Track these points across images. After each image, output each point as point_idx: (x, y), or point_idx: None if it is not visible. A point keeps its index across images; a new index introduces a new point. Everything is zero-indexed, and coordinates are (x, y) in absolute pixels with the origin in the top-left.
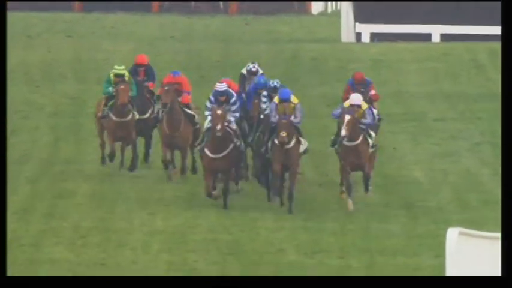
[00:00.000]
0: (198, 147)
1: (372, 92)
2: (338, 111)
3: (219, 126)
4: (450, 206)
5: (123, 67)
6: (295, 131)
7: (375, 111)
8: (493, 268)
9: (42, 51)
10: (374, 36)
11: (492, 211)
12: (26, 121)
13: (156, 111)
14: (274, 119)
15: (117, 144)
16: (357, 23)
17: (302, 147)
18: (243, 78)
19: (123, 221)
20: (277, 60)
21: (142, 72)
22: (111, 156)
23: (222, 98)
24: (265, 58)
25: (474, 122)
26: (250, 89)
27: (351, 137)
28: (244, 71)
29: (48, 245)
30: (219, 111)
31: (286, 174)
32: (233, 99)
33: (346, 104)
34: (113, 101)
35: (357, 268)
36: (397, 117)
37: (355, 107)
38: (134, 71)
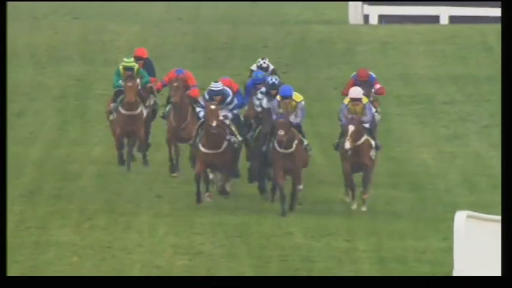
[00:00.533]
0: (191, 143)
1: (377, 85)
2: (345, 111)
3: (214, 123)
4: (458, 188)
5: (132, 60)
6: (296, 132)
7: (376, 113)
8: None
9: (48, 33)
10: (382, 18)
11: (500, 194)
12: (32, 103)
13: (152, 103)
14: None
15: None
16: (364, 5)
17: (309, 151)
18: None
19: (129, 204)
20: (285, 43)
21: (141, 65)
22: (120, 147)
23: (217, 98)
24: (273, 40)
25: (483, 104)
26: (249, 84)
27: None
28: (254, 67)
29: (55, 227)
30: (212, 107)
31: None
32: (229, 99)
33: (347, 99)
34: (122, 96)
35: (364, 251)
36: (405, 99)
37: (355, 102)
38: None
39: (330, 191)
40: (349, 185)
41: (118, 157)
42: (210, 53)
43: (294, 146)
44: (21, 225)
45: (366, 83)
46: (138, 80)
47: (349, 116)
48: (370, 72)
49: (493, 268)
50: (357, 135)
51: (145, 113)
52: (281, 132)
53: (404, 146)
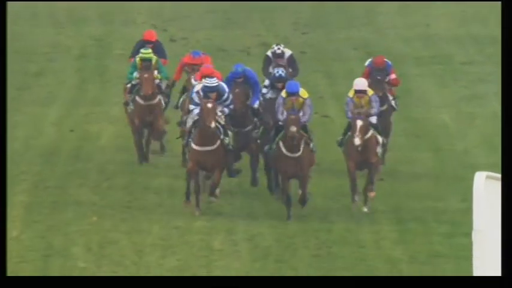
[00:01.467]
0: (183, 142)
1: (392, 76)
2: (350, 106)
3: (212, 124)
4: (477, 149)
5: (149, 51)
6: (302, 132)
7: (393, 102)
8: None
9: None
10: None
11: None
12: (51, 63)
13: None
14: (282, 116)
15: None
16: None
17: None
18: (267, 61)
19: (148, 165)
20: (304, 3)
21: (150, 49)
22: (139, 138)
23: (213, 95)
24: (292, 1)
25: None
26: (229, 78)
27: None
28: (269, 53)
29: (74, 187)
30: (209, 105)
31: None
32: (225, 96)
33: (351, 92)
34: (137, 88)
35: (383, 212)
36: (425, 60)
37: (360, 94)
38: (141, 47)
39: None
40: (352, 186)
41: (138, 154)
42: (229, 14)
43: (301, 149)
44: (40, 185)
45: (382, 72)
46: (155, 72)
47: (356, 111)
48: (386, 60)
49: None
50: (365, 131)
51: (163, 102)
52: (293, 129)
53: (424, 107)
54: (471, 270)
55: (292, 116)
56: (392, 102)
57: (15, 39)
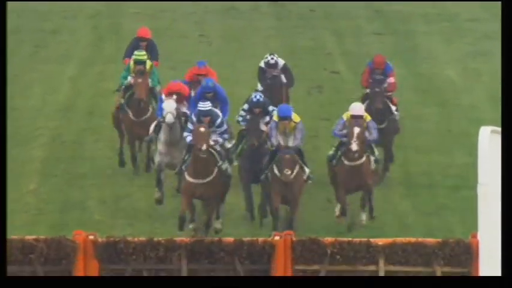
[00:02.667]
0: (176, 170)
1: (391, 79)
2: (340, 126)
3: (204, 146)
4: (483, 104)
5: (144, 53)
6: (296, 157)
7: (395, 112)
8: None
9: None
10: None
11: None
12: (67, 21)
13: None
14: (275, 140)
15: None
16: None
17: (305, 175)
18: (261, 73)
19: None
20: None
21: (144, 46)
22: (133, 158)
23: (206, 119)
24: None
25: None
26: (198, 93)
27: (354, 156)
28: (262, 64)
29: (89, 142)
30: (202, 129)
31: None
32: (218, 121)
33: (347, 115)
34: (130, 91)
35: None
36: (432, 17)
37: (357, 120)
38: (136, 45)
39: None
40: (342, 207)
41: (119, 159)
42: None
43: (295, 173)
44: (56, 140)
45: (382, 73)
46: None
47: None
48: (388, 62)
49: None
50: (363, 140)
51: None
52: (287, 172)
53: (431, 63)
54: (476, 223)
55: (287, 156)
56: (396, 113)
57: None
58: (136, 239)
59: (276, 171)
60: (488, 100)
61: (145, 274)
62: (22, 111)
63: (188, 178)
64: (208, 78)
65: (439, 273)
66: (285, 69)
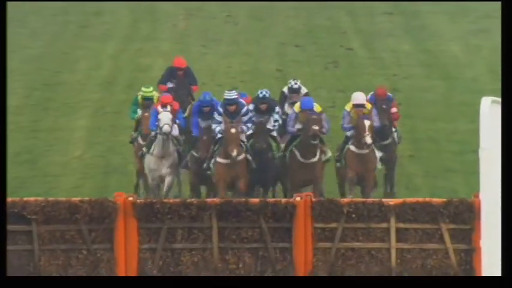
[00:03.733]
0: (205, 166)
1: (394, 109)
2: (346, 119)
3: (234, 153)
4: (484, 77)
5: (151, 89)
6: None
7: (395, 133)
8: None
9: None
10: None
11: None
12: (107, 4)
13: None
14: (292, 128)
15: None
16: None
17: (325, 157)
18: (283, 97)
19: (200, 62)
20: None
21: (181, 75)
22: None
23: (232, 108)
24: None
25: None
26: (195, 107)
27: (362, 145)
28: (285, 89)
29: (128, 113)
30: (233, 130)
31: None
32: (244, 110)
33: (349, 105)
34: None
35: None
36: None
37: (359, 108)
38: (172, 73)
39: (368, 81)
40: (350, 189)
41: (135, 184)
42: None
43: (317, 156)
44: (99, 111)
45: (386, 103)
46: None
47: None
48: (389, 93)
49: None
50: (373, 131)
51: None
52: (315, 127)
53: (436, 40)
54: (478, 184)
55: (314, 116)
56: (394, 135)
57: None
58: (171, 200)
59: (297, 154)
60: (488, 73)
61: (179, 232)
62: (69, 85)
63: (219, 160)
64: (206, 92)
65: (444, 230)
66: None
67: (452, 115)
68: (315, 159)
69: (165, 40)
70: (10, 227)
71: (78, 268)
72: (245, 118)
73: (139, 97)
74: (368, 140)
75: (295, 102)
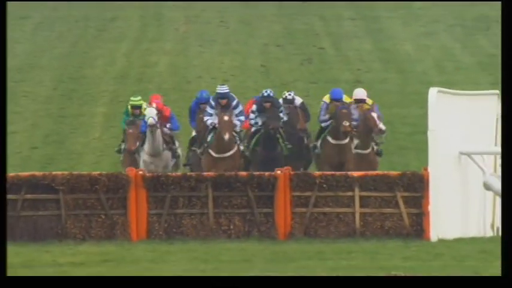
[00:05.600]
0: (199, 151)
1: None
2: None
3: (227, 136)
4: (431, 71)
5: (139, 98)
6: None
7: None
8: (462, 113)
9: None
10: None
11: (461, 75)
12: (121, 11)
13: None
14: (324, 117)
15: None
16: None
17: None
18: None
19: (192, 84)
20: None
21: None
22: None
23: (223, 102)
24: None
25: (449, 8)
26: (193, 105)
27: (363, 145)
28: (280, 100)
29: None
30: (226, 118)
31: None
32: (234, 103)
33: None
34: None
35: None
36: (392, 6)
37: (360, 104)
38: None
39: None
40: None
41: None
42: None
43: (347, 139)
44: (114, 100)
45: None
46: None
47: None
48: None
49: (457, 126)
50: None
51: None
52: (346, 123)
53: (393, 41)
54: (427, 160)
55: (344, 110)
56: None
57: None
58: (174, 174)
59: (330, 139)
60: (435, 68)
61: (181, 200)
62: (89, 79)
63: (211, 153)
64: (203, 90)
65: (399, 197)
66: (302, 107)
67: (406, 102)
68: (346, 140)
69: (168, 41)
70: (41, 196)
71: (97, 230)
72: (236, 111)
73: (129, 107)
74: (382, 126)
75: (292, 108)
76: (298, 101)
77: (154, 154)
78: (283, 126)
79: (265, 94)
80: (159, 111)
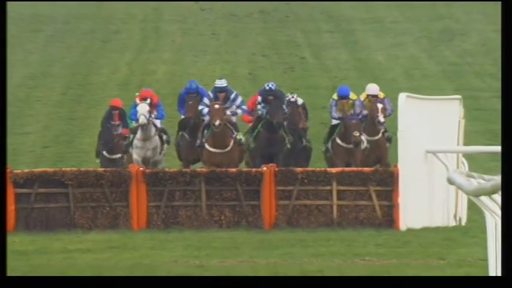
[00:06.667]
0: (197, 144)
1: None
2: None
3: (217, 122)
4: (400, 78)
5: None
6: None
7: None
8: (428, 116)
9: None
10: None
11: (427, 82)
12: (124, 25)
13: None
14: (336, 114)
15: None
16: None
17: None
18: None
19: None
20: None
21: (117, 115)
22: None
23: (222, 95)
24: None
25: (416, 23)
26: (182, 93)
27: (372, 132)
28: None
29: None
30: (216, 106)
31: None
32: (233, 95)
33: (363, 95)
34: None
35: None
36: (366, 20)
37: (373, 98)
38: (109, 113)
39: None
40: None
41: None
42: None
43: (380, 133)
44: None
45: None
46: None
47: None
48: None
49: (424, 127)
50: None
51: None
52: (356, 133)
53: (366, 51)
54: (397, 157)
55: (353, 121)
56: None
57: (100, 7)
58: (171, 170)
59: (339, 141)
60: (403, 75)
61: (177, 193)
62: (95, 85)
63: (208, 148)
64: (192, 80)
65: (372, 191)
66: (303, 107)
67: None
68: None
69: (166, 52)
70: (52, 190)
71: (102, 220)
72: (237, 102)
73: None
74: (381, 118)
75: (293, 107)
76: (300, 101)
77: (146, 139)
78: (286, 123)
79: (267, 88)
80: (151, 100)
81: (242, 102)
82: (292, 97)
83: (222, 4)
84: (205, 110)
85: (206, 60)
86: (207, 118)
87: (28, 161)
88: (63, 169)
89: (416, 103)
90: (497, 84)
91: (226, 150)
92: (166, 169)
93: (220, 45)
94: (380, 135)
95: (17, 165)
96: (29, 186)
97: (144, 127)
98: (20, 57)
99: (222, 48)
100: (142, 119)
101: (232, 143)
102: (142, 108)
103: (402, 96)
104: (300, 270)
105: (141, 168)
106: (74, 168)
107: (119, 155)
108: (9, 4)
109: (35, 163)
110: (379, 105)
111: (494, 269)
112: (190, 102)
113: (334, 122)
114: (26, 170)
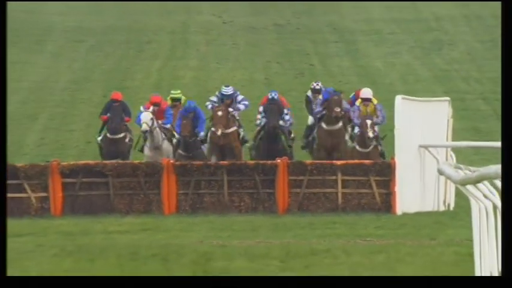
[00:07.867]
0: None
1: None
2: (355, 114)
3: (219, 132)
4: (397, 82)
5: (178, 91)
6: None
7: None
8: (421, 115)
9: None
10: None
11: (420, 86)
12: (155, 36)
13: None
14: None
15: None
16: None
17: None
18: (308, 101)
19: (211, 93)
20: None
21: (117, 106)
22: None
23: (228, 102)
24: None
25: (410, 34)
26: (179, 113)
27: (362, 144)
28: (308, 93)
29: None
30: (219, 113)
31: None
32: (239, 99)
33: (358, 101)
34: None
35: None
36: (366, 32)
37: (366, 102)
38: (109, 106)
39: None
40: None
41: None
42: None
43: (372, 146)
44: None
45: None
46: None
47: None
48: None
49: (417, 125)
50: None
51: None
52: (337, 109)
53: (366, 59)
54: (394, 151)
55: (368, 121)
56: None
57: (135, 20)
58: (197, 162)
59: (323, 125)
60: (399, 80)
61: (202, 182)
62: (130, 89)
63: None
64: (191, 100)
65: (372, 181)
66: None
67: None
68: (339, 125)
69: (192, 59)
70: (94, 180)
71: (138, 205)
72: (239, 99)
73: (167, 98)
74: (370, 133)
75: (320, 101)
76: (323, 89)
77: (156, 147)
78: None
79: (270, 97)
80: (157, 105)
81: (244, 99)
82: (317, 84)
83: (241, 18)
84: (210, 106)
85: (228, 67)
86: (201, 135)
87: (73, 154)
88: (104, 161)
89: (410, 104)
90: (481, 88)
91: (229, 131)
92: (193, 162)
93: (239, 54)
94: (371, 147)
95: (64, 158)
96: (74, 176)
97: (147, 133)
98: (65, 64)
99: (241, 56)
100: (144, 127)
101: (234, 127)
102: (145, 117)
103: (398, 98)
104: (309, 250)
105: (171, 161)
106: (113, 161)
107: (121, 135)
108: (56, 18)
109: (79, 156)
110: (368, 122)
111: (479, 247)
112: (184, 122)
113: (311, 121)
114: (71, 162)
